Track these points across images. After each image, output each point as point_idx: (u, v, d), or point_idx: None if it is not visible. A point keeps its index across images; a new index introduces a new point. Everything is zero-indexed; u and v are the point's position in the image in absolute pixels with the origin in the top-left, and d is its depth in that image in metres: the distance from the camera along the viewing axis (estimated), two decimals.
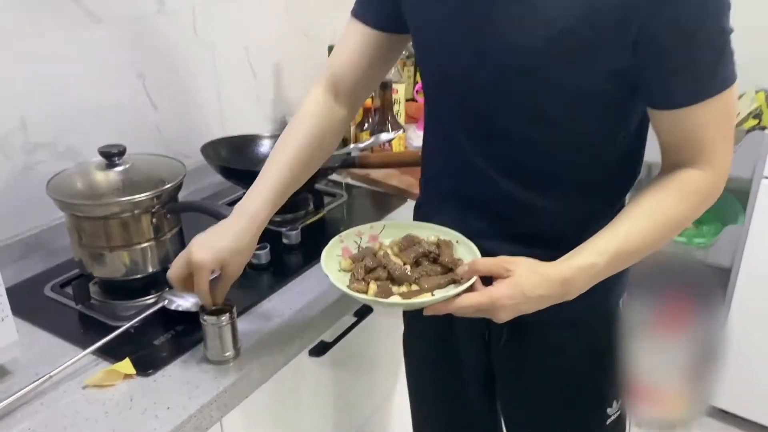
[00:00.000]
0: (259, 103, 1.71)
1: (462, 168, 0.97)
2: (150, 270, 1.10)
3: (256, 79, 1.68)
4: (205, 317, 0.91)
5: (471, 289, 0.82)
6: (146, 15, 1.38)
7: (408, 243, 0.94)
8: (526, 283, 0.80)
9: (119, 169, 1.08)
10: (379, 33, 0.99)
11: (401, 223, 1.01)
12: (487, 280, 0.83)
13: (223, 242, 0.89)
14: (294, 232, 1.28)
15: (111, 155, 1.08)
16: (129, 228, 1.06)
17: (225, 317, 0.91)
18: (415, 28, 0.96)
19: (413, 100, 1.98)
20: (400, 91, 1.74)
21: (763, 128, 1.80)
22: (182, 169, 1.12)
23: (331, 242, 0.93)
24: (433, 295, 0.85)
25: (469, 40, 0.86)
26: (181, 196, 1.17)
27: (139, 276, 1.10)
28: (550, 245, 0.87)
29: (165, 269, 1.10)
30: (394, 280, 0.88)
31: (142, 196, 1.04)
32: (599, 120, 0.87)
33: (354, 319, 1.20)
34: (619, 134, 0.90)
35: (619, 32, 0.77)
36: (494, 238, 0.94)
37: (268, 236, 1.19)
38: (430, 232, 0.96)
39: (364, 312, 1.22)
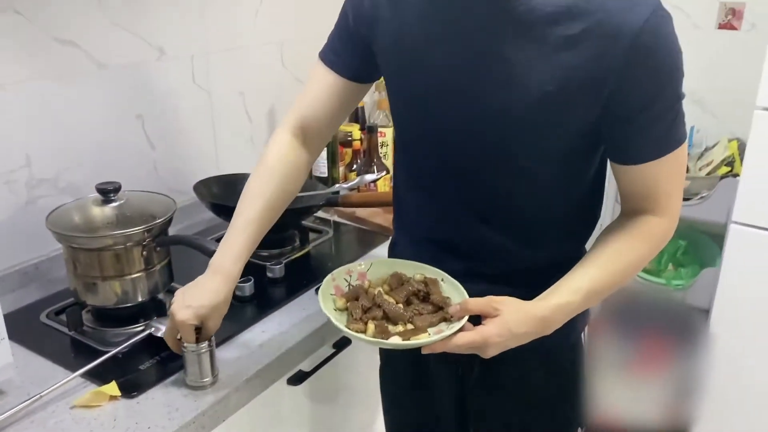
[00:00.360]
0: (253, 144, 1.77)
1: (436, 213, 1.02)
2: (139, 299, 1.16)
3: (251, 122, 1.75)
4: (185, 344, 0.96)
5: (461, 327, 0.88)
6: (147, 62, 1.45)
7: (397, 282, 0.98)
8: (513, 321, 0.87)
9: (114, 204, 1.15)
10: (349, 81, 1.02)
11: (386, 260, 1.06)
12: (474, 318, 0.89)
13: (202, 300, 0.95)
14: (278, 267, 1.34)
15: (107, 191, 1.15)
16: (121, 259, 1.12)
17: (204, 345, 0.97)
18: (393, 87, 0.99)
19: None
20: (387, 135, 1.82)
21: (735, 175, 1.86)
22: (173, 205, 1.19)
23: (324, 281, 0.97)
24: (429, 333, 0.90)
25: (448, 102, 0.91)
26: (174, 230, 1.23)
27: (129, 305, 1.15)
28: (521, 284, 0.93)
29: (154, 299, 1.18)
30: (389, 319, 0.92)
31: (133, 230, 1.10)
32: (567, 170, 0.94)
33: (332, 351, 1.25)
34: (583, 180, 0.97)
35: (591, 95, 0.84)
36: (467, 279, 0.98)
37: (253, 269, 1.25)
38: (415, 270, 1.00)
39: (342, 344, 1.26)
